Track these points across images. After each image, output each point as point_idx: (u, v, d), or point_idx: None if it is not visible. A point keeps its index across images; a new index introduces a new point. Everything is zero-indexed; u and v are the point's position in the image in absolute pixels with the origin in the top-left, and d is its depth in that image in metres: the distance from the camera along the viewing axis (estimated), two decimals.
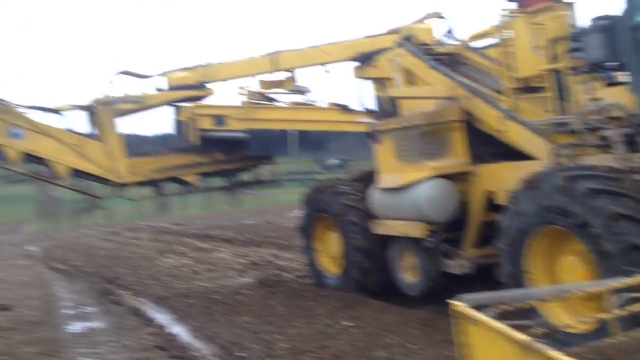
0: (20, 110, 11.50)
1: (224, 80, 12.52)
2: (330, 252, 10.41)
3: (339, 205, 9.87)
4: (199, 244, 20.37)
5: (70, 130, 11.87)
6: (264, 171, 13.97)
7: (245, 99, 12.19)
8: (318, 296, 9.65)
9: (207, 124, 12.26)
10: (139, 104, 12.19)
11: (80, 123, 12.13)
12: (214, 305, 9.98)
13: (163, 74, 12.45)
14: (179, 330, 8.69)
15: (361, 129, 10.12)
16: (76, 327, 9.74)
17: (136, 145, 13.71)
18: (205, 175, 12.93)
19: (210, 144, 12.40)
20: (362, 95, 11.29)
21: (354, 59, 11.22)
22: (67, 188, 12.55)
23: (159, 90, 12.42)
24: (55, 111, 11.87)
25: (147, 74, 12.50)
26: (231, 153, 12.73)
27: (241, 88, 12.17)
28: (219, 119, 12.29)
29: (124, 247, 22.61)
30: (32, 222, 48.69)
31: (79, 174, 11.83)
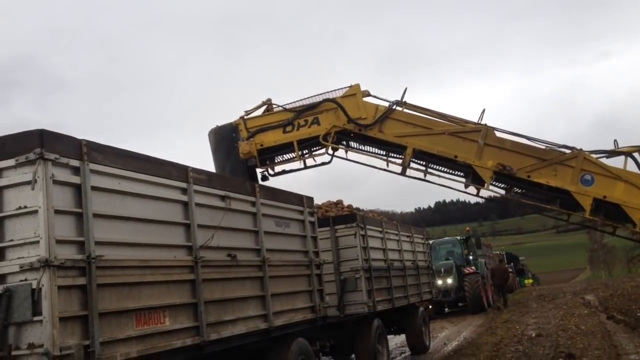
0: (587, 154, 11.30)
1: None
2: None
3: None
4: None
5: None
6: None
7: None
8: None
9: None
10: None
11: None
12: None
13: None
14: None
15: None
16: None
17: None
18: None
19: None
20: None
21: None
22: (623, 237, 12.07)
23: None
24: (620, 153, 11.44)
25: None
26: None
27: None
28: None
29: None
30: (586, 271, 48.79)
31: None
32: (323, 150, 12.15)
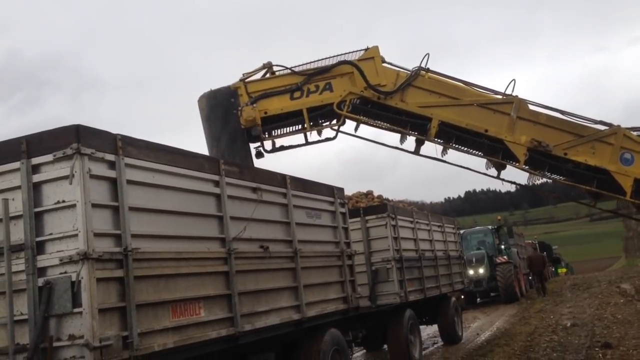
0: (627, 131, 10.36)
1: None
2: None
3: None
4: None
5: None
6: None
7: None
8: None
9: None
10: None
11: None
12: None
13: None
14: None
15: None
16: None
17: None
18: None
19: None
20: None
21: None
22: None
23: None
24: None
25: None
26: None
27: None
28: None
29: None
30: (621, 259, 47.84)
31: None
32: (328, 123, 10.74)
